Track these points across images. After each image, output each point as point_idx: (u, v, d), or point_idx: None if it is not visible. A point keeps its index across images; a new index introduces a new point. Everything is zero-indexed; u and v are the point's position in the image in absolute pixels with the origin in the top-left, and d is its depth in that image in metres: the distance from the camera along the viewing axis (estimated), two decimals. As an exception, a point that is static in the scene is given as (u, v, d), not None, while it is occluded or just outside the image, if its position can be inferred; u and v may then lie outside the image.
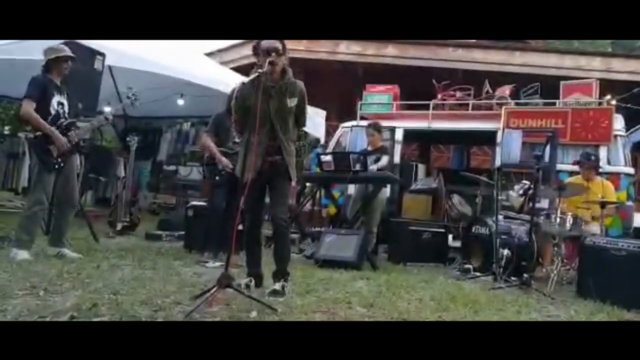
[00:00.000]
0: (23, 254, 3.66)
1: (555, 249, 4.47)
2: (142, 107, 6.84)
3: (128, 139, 6.27)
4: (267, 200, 3.29)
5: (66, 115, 3.97)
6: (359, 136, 6.66)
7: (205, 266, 4.10)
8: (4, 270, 3.20)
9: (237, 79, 5.67)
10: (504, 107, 6.37)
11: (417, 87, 7.86)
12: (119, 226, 5.93)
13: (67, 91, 4.04)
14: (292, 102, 3.13)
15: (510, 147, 5.97)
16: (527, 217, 4.80)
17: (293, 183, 3.35)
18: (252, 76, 2.93)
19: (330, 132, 8.35)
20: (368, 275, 4.23)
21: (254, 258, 3.30)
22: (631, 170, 5.90)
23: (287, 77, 3.15)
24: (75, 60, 4.16)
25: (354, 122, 7.22)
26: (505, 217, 5.27)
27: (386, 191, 5.67)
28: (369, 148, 5.66)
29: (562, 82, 6.61)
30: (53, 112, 3.87)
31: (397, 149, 6.73)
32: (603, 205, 4.68)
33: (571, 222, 4.35)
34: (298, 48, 9.41)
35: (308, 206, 6.78)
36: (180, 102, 8.04)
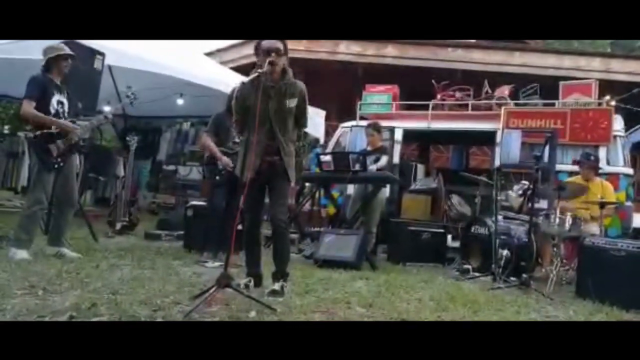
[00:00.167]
0: (22, 254, 3.66)
1: (555, 249, 4.47)
2: (142, 107, 6.86)
3: (128, 138, 6.27)
4: (267, 200, 3.30)
5: (66, 114, 3.97)
6: (359, 136, 6.66)
7: (204, 266, 4.10)
8: (3, 269, 3.20)
9: (237, 79, 5.67)
10: (503, 108, 6.38)
11: (416, 87, 7.87)
12: (118, 226, 5.93)
13: (67, 90, 4.04)
14: (291, 103, 3.12)
15: (510, 147, 5.99)
16: (527, 218, 4.81)
17: (292, 184, 3.35)
18: (251, 76, 2.93)
19: (329, 132, 8.35)
20: (367, 276, 4.23)
21: (254, 258, 3.30)
22: (630, 171, 5.91)
23: (287, 78, 3.14)
24: (75, 60, 4.16)
25: (353, 122, 7.22)
26: (505, 217, 5.27)
27: (385, 191, 5.67)
28: (369, 148, 5.66)
29: (561, 83, 6.62)
30: (53, 111, 3.87)
31: (397, 149, 6.73)
32: (602, 205, 4.68)
33: (570, 222, 4.36)
34: (298, 48, 9.41)
35: (307, 206, 6.79)
36: (180, 101, 8.04)
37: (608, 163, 5.70)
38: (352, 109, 7.63)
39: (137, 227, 6.15)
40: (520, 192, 5.31)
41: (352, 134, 6.98)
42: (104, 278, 3.21)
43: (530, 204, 4.64)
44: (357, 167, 5.08)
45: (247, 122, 2.99)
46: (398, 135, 6.75)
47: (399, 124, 6.83)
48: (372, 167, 5.21)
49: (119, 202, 6.07)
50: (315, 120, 7.69)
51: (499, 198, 4.99)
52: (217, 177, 4.49)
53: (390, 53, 10.04)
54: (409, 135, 7.03)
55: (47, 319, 2.25)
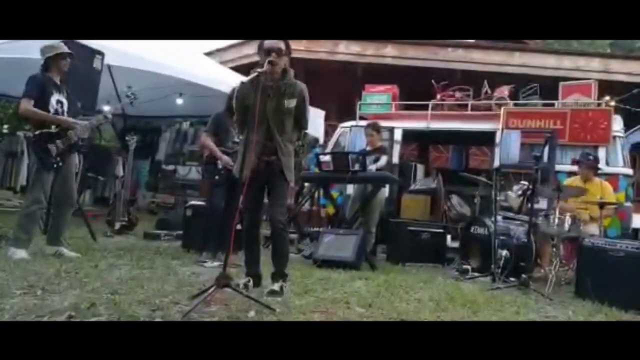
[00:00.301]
0: (21, 253, 3.65)
1: (554, 249, 4.47)
2: (141, 107, 6.86)
3: (127, 138, 6.27)
4: (267, 200, 3.30)
5: (65, 114, 3.96)
6: (358, 136, 6.66)
7: (203, 266, 4.09)
8: (2, 269, 3.19)
9: (237, 79, 5.67)
10: (502, 108, 6.38)
11: (416, 87, 7.87)
12: (117, 225, 5.92)
13: (66, 90, 4.03)
14: (290, 103, 3.11)
15: (509, 147, 6.00)
16: (526, 218, 4.81)
17: (292, 184, 3.35)
18: (251, 75, 2.93)
19: (329, 132, 8.35)
20: (367, 276, 4.23)
21: (253, 258, 3.30)
22: (630, 171, 5.91)
23: (287, 78, 3.14)
24: (74, 59, 4.15)
25: (353, 122, 7.22)
26: (504, 217, 5.27)
27: (385, 191, 5.67)
28: (368, 148, 5.66)
29: (561, 83, 6.63)
30: (52, 110, 3.86)
31: (396, 149, 6.73)
32: (602, 206, 4.68)
33: (569, 222, 4.36)
34: (298, 48, 9.39)
35: (307, 206, 6.79)
36: (179, 101, 8.04)
37: (607, 163, 5.70)
38: (351, 109, 7.63)
39: (136, 226, 6.15)
40: (520, 192, 5.31)
41: (351, 134, 6.98)
42: (102, 278, 3.20)
43: (529, 205, 4.64)
44: (357, 167, 5.07)
45: (247, 121, 2.99)
46: (397, 135, 6.75)
47: (398, 124, 6.83)
48: (372, 167, 5.21)
49: (118, 201, 6.07)
50: (315, 120, 7.69)
51: (498, 198, 4.99)
52: (216, 177, 4.48)
53: (389, 53, 10.04)
54: (408, 135, 7.03)
55: (45, 319, 2.25)
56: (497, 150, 6.20)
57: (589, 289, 3.82)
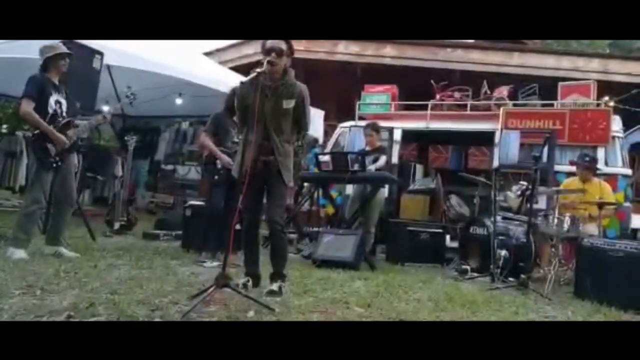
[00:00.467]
0: (20, 253, 3.65)
1: (553, 249, 4.47)
2: (141, 106, 6.86)
3: (126, 138, 6.26)
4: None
5: (64, 114, 3.95)
6: (357, 136, 6.66)
7: (202, 266, 4.09)
8: (1, 269, 3.19)
9: (236, 79, 5.67)
10: (502, 108, 6.39)
11: (415, 87, 7.87)
12: (117, 225, 5.92)
13: (65, 90, 4.03)
14: (288, 104, 3.10)
15: (508, 147, 6.00)
16: (525, 218, 4.81)
17: (290, 184, 3.35)
18: (251, 75, 2.93)
19: (328, 132, 8.36)
20: (366, 276, 4.23)
21: (252, 258, 3.30)
22: (629, 172, 5.91)
23: (287, 78, 3.13)
24: (74, 59, 4.14)
25: (352, 122, 7.22)
26: (503, 217, 5.27)
27: (384, 191, 5.67)
28: (367, 148, 5.66)
29: (560, 83, 6.63)
30: (51, 111, 3.85)
31: (396, 149, 6.73)
32: (600, 206, 4.69)
33: (569, 223, 4.36)
34: (297, 48, 9.29)
35: (306, 206, 6.78)
36: (179, 101, 8.04)
37: (606, 164, 5.71)
38: (350, 109, 7.63)
39: (136, 226, 6.14)
40: (519, 192, 5.31)
41: (350, 134, 6.98)
42: (102, 278, 3.20)
43: (528, 205, 4.65)
44: (356, 167, 5.08)
45: (247, 120, 3.00)
46: (397, 135, 6.75)
47: (397, 124, 6.83)
48: (371, 167, 5.21)
49: (117, 201, 6.06)
50: (314, 121, 7.69)
51: (497, 198, 4.99)
52: (216, 177, 4.48)
53: (389, 53, 10.04)
54: (407, 135, 7.03)
55: (44, 319, 2.25)
56: (496, 150, 6.20)
57: (588, 289, 3.82)
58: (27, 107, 3.75)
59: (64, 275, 3.19)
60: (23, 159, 7.40)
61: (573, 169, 5.42)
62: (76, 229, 5.01)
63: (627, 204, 5.67)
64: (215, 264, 4.07)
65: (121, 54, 5.49)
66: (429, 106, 6.90)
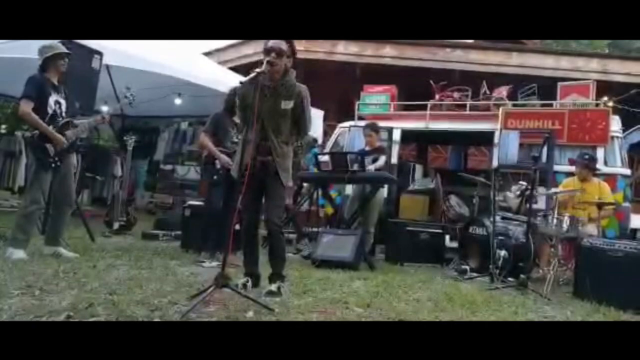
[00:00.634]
0: (19, 253, 3.65)
1: (552, 249, 4.47)
2: (140, 107, 6.85)
3: (125, 138, 6.26)
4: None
5: (63, 114, 3.95)
6: (357, 136, 6.66)
7: (202, 266, 4.09)
8: (0, 269, 3.19)
9: (235, 79, 5.67)
10: (501, 108, 6.39)
11: (414, 87, 7.87)
12: (116, 225, 5.92)
13: (64, 90, 4.02)
14: (287, 105, 3.09)
15: (508, 148, 6.00)
16: (524, 218, 4.81)
17: (290, 184, 3.35)
18: (250, 75, 2.93)
19: (328, 132, 8.36)
20: (365, 276, 4.23)
21: (251, 258, 3.30)
22: (628, 172, 5.91)
23: (286, 79, 3.13)
24: (73, 59, 4.14)
25: (351, 122, 7.22)
26: (503, 217, 5.27)
27: (384, 191, 5.67)
28: (367, 148, 5.66)
29: (559, 84, 6.64)
30: (50, 111, 3.85)
31: (395, 149, 6.73)
32: (600, 206, 4.68)
33: (568, 223, 4.36)
34: (297, 48, 9.39)
35: (306, 206, 6.78)
36: (178, 101, 8.04)
37: (606, 164, 5.70)
38: (350, 109, 7.64)
39: (135, 226, 6.14)
40: (518, 192, 5.32)
41: (350, 134, 6.98)
42: (101, 278, 3.20)
43: (528, 205, 4.65)
44: (355, 167, 5.08)
45: (246, 120, 3.00)
46: (396, 135, 6.75)
47: (397, 124, 6.83)
48: (370, 167, 5.21)
49: (116, 201, 6.06)
50: (314, 121, 7.69)
51: (497, 198, 4.99)
52: (215, 177, 4.48)
53: (388, 53, 10.05)
54: (407, 135, 7.03)
55: (44, 319, 2.24)
56: (495, 150, 6.20)
57: (588, 289, 3.83)
58: (26, 107, 3.74)
59: (63, 275, 3.19)
60: (22, 159, 7.40)
61: (572, 169, 5.42)
62: (75, 229, 5.01)
63: (626, 204, 5.66)
64: (214, 264, 4.06)
65: (120, 54, 5.48)
66: (428, 106, 6.90)
